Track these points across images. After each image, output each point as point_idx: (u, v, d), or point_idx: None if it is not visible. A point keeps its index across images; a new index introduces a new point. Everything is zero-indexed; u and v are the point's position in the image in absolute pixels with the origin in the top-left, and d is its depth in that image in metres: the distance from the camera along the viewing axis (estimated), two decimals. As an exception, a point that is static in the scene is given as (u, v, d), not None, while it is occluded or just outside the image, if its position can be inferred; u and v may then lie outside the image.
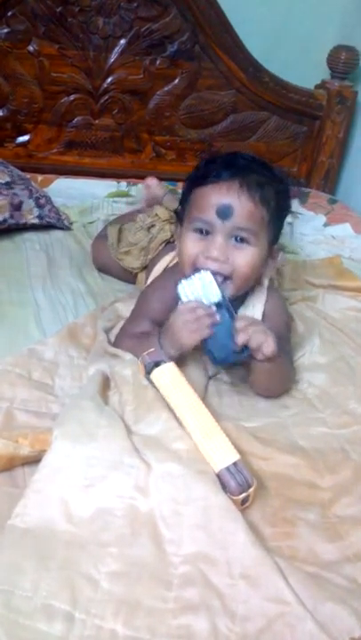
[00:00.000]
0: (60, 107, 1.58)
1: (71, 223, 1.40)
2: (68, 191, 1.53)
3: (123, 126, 1.63)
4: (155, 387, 0.79)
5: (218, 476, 0.67)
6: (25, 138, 1.60)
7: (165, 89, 1.60)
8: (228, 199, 0.84)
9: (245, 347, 0.80)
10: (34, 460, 0.73)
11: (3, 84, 1.52)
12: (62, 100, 1.57)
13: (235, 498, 0.66)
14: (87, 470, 0.69)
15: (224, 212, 0.84)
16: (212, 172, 0.86)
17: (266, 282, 0.96)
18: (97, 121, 1.62)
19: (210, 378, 0.92)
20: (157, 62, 1.56)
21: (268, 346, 0.79)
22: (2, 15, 1.45)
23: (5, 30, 1.47)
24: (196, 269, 0.85)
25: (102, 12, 1.48)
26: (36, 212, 1.31)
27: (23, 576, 0.59)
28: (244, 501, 0.67)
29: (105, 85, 1.57)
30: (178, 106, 1.62)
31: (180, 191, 1.55)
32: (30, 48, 1.49)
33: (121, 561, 0.62)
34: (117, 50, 1.53)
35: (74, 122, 1.61)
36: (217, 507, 0.65)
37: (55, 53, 1.51)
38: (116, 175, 1.63)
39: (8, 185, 1.30)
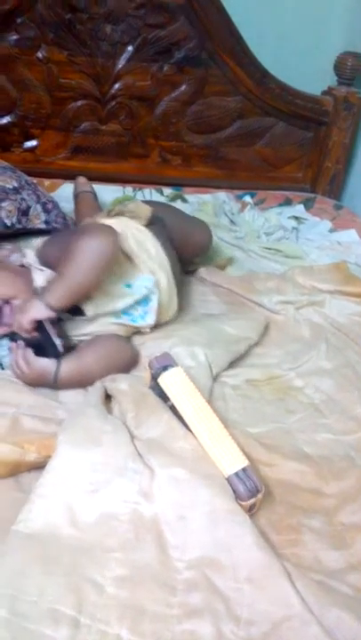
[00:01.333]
0: (67, 112, 1.59)
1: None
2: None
3: (129, 132, 1.64)
4: (156, 393, 0.80)
5: (227, 480, 0.67)
6: (32, 143, 1.61)
7: (172, 95, 1.60)
8: None
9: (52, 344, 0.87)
10: (40, 466, 0.74)
11: (11, 89, 1.53)
12: (70, 106, 1.58)
13: (243, 503, 0.66)
14: (92, 475, 0.69)
15: None
16: None
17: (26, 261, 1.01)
18: (104, 126, 1.62)
19: (214, 380, 0.92)
20: (165, 69, 1.57)
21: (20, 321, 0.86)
22: (11, 22, 1.46)
23: (15, 37, 1.48)
24: None
25: (110, 19, 1.49)
26: (43, 216, 1.32)
27: (28, 580, 0.59)
28: (251, 508, 0.67)
29: (112, 91, 1.58)
30: (185, 112, 1.63)
31: (185, 196, 1.58)
32: (39, 54, 1.50)
33: (126, 566, 0.62)
34: (125, 56, 1.54)
35: (81, 127, 1.62)
36: (223, 510, 0.65)
37: (64, 60, 1.52)
38: (122, 180, 1.64)
39: (16, 190, 1.31)
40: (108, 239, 0.92)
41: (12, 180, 1.34)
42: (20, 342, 0.89)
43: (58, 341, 0.87)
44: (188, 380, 0.75)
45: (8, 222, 1.25)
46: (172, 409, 0.76)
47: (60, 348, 0.87)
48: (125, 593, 0.60)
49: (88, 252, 0.90)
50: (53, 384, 0.88)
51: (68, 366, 0.88)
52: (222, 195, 1.59)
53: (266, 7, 1.62)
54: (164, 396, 0.78)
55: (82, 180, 1.52)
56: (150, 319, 0.98)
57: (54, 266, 0.95)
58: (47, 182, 1.55)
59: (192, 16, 1.51)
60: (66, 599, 0.58)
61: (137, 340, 1.01)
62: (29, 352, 0.87)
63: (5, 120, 1.57)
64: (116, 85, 1.58)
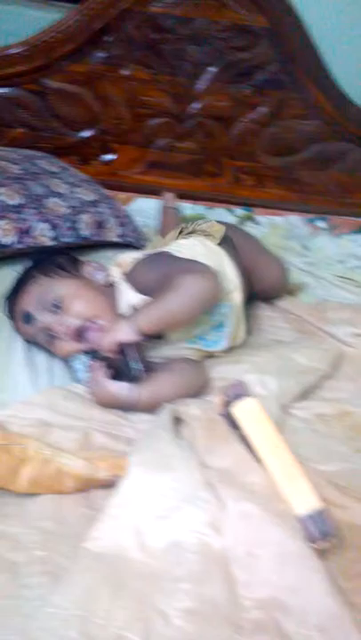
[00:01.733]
0: (146, 129, 1.62)
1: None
2: (147, 210, 1.56)
3: (204, 150, 1.66)
4: (228, 421, 0.80)
5: (299, 520, 0.66)
6: (110, 157, 1.65)
7: (250, 116, 1.61)
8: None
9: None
10: (109, 484, 0.74)
11: (94, 105, 1.58)
12: (149, 123, 1.61)
13: (314, 547, 0.65)
14: (162, 501, 0.69)
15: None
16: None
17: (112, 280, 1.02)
18: (180, 144, 1.65)
19: (283, 412, 0.91)
20: (245, 90, 1.58)
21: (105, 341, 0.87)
22: (100, 41, 1.50)
23: (102, 54, 1.52)
24: None
25: (195, 40, 1.51)
26: (118, 230, 1.34)
27: (97, 603, 0.60)
28: (322, 552, 0.66)
29: (191, 110, 1.60)
30: (261, 133, 1.63)
31: (256, 217, 1.58)
32: (124, 72, 1.54)
33: (193, 598, 0.61)
34: (206, 77, 1.56)
35: (158, 144, 1.64)
36: (294, 553, 0.64)
37: (147, 78, 1.55)
38: (194, 197, 1.65)
39: (94, 203, 1.34)
40: (214, 282, 0.92)
41: (91, 193, 1.37)
42: (99, 362, 0.90)
43: (138, 366, 0.87)
44: (262, 413, 0.75)
45: (86, 234, 1.28)
46: (243, 439, 0.76)
47: (140, 374, 0.87)
48: (192, 627, 0.59)
49: (193, 289, 0.89)
50: (127, 409, 0.88)
51: (144, 393, 0.88)
52: (294, 218, 1.58)
53: (349, 31, 1.60)
54: (235, 426, 0.77)
55: (168, 195, 1.55)
56: (224, 345, 0.98)
57: (143, 291, 0.96)
58: (122, 195, 1.59)
59: (276, 40, 1.51)
60: (133, 626, 0.58)
61: (206, 362, 1.01)
62: (107, 374, 0.88)
63: (87, 134, 1.61)
64: (195, 105, 1.60)
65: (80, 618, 0.58)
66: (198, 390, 0.93)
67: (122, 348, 0.87)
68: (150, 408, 0.88)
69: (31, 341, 1.00)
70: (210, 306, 0.95)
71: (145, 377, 0.88)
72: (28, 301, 0.98)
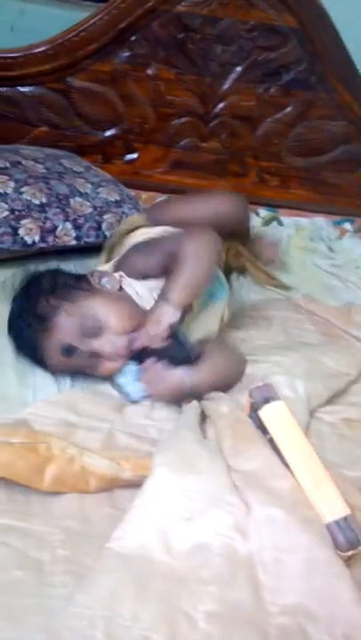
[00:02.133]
0: (170, 128, 1.61)
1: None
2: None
3: (229, 150, 1.64)
4: (255, 423, 0.79)
5: (326, 527, 0.65)
6: (133, 156, 1.65)
7: (276, 116, 1.59)
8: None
9: None
10: (134, 484, 0.74)
11: (118, 104, 1.58)
12: (173, 122, 1.61)
13: (341, 554, 0.63)
14: (187, 503, 0.69)
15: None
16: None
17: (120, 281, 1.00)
18: (204, 144, 1.64)
19: (311, 416, 0.90)
20: (271, 90, 1.56)
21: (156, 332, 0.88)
22: (125, 40, 1.50)
23: (127, 54, 1.52)
24: None
25: (222, 39, 1.50)
26: (141, 230, 1.34)
27: (123, 604, 0.59)
28: (348, 559, 0.65)
29: (216, 110, 1.59)
30: (287, 133, 1.61)
31: (281, 218, 1.57)
32: (149, 72, 1.54)
33: (219, 602, 0.61)
34: (233, 76, 1.55)
35: (181, 143, 1.64)
36: (321, 560, 0.63)
37: (172, 78, 1.54)
38: (218, 198, 1.64)
39: (117, 203, 1.34)
40: (211, 234, 0.97)
41: (115, 193, 1.37)
42: (151, 359, 0.88)
43: (191, 345, 0.89)
44: (290, 417, 0.74)
45: (109, 234, 1.28)
46: (271, 443, 0.75)
47: (197, 350, 0.89)
48: (217, 630, 0.59)
49: (203, 251, 0.94)
50: (189, 394, 0.88)
51: (200, 375, 0.88)
52: (320, 220, 1.56)
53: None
54: (262, 428, 0.76)
55: None
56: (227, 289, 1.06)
57: (145, 274, 0.99)
58: (144, 195, 1.58)
59: (304, 39, 1.49)
60: (159, 628, 0.58)
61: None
62: (163, 366, 0.88)
63: (110, 133, 1.61)
64: (221, 104, 1.59)
65: (105, 618, 0.58)
66: (241, 372, 0.95)
67: (172, 332, 0.88)
68: (209, 389, 0.89)
69: (65, 372, 0.95)
70: (219, 256, 1.00)
71: (200, 354, 0.89)
72: (65, 334, 0.90)
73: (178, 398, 0.89)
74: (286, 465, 0.72)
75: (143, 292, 0.98)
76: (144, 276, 0.99)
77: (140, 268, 1.00)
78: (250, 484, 0.70)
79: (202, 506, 0.68)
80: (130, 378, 0.91)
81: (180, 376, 0.87)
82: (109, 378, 0.94)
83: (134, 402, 0.91)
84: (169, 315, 0.88)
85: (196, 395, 0.88)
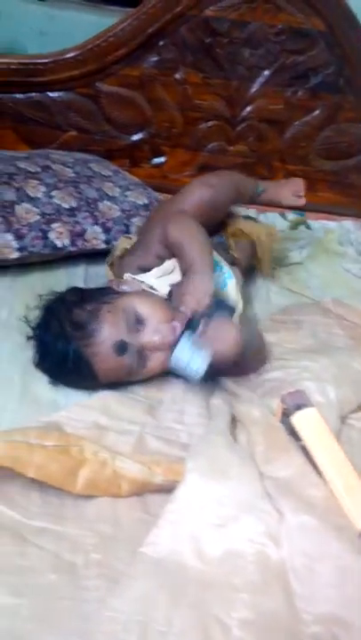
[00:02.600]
0: (197, 132, 1.62)
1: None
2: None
3: (256, 153, 1.64)
4: (287, 429, 0.79)
5: (358, 535, 0.65)
6: (161, 160, 1.65)
7: (304, 119, 1.59)
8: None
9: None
10: (165, 489, 0.75)
11: (146, 108, 1.58)
12: (200, 126, 1.61)
13: (375, 563, 0.63)
14: (219, 509, 0.69)
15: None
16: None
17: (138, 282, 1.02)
18: (231, 147, 1.64)
19: (341, 422, 0.89)
20: (299, 93, 1.55)
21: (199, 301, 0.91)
22: (153, 44, 1.51)
23: (155, 58, 1.53)
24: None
25: (250, 43, 1.50)
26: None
27: (157, 609, 0.60)
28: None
29: (243, 114, 1.59)
30: (315, 137, 1.60)
31: (309, 222, 1.56)
32: (177, 76, 1.54)
33: (252, 609, 0.61)
34: (260, 80, 1.55)
35: (209, 147, 1.64)
36: (353, 568, 0.63)
37: (200, 82, 1.55)
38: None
39: (146, 207, 1.35)
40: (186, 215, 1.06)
41: (143, 197, 1.38)
42: (203, 320, 0.90)
43: (230, 302, 0.99)
44: (323, 423, 0.73)
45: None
46: (303, 449, 0.75)
47: (236, 304, 1.00)
48: (251, 637, 0.59)
49: (185, 223, 1.03)
50: (252, 347, 0.94)
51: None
52: (348, 223, 1.55)
53: None
54: (294, 435, 0.76)
55: None
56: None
57: (145, 268, 1.04)
58: (171, 199, 1.59)
59: (332, 42, 1.48)
60: (193, 634, 0.58)
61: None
62: (216, 322, 0.91)
63: (138, 137, 1.62)
64: (248, 108, 1.59)
65: (140, 623, 0.58)
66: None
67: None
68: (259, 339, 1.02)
69: (113, 378, 0.92)
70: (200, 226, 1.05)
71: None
72: (114, 331, 0.89)
73: (239, 351, 0.89)
74: (320, 473, 0.72)
75: (154, 283, 1.02)
76: (145, 269, 1.05)
77: (140, 263, 1.06)
78: (282, 492, 0.70)
79: (234, 512, 0.68)
80: (188, 350, 0.87)
81: (234, 326, 0.93)
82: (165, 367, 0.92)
83: (199, 379, 0.89)
84: (204, 283, 0.93)
85: (253, 346, 0.95)
